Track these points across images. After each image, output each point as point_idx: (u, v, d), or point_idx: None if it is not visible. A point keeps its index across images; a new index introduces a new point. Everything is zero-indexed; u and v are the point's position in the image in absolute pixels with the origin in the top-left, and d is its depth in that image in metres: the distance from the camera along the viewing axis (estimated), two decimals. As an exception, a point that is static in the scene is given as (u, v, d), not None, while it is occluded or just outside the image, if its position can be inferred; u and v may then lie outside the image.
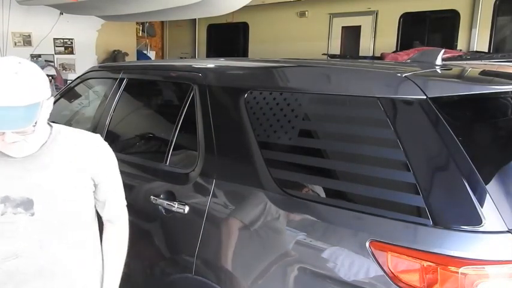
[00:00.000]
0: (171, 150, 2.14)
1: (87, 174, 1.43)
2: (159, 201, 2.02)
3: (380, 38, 7.82)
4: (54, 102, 3.05)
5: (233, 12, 7.09)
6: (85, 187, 1.43)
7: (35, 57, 8.47)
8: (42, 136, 1.35)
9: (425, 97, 1.42)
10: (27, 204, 1.31)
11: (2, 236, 1.31)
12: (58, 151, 1.38)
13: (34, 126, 1.24)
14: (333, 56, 7.65)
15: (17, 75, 1.19)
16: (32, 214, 1.31)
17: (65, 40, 9.07)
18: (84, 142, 1.46)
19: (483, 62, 4.55)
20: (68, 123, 3.13)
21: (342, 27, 8.30)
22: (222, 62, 2.46)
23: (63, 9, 7.89)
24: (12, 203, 1.30)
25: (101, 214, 1.55)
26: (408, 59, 2.41)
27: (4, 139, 1.22)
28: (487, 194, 1.28)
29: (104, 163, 1.48)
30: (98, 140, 1.51)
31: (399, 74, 1.56)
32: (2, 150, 1.29)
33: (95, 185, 1.46)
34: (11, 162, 1.31)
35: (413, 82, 1.47)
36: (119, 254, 1.58)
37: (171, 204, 1.96)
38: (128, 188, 2.26)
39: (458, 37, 6.99)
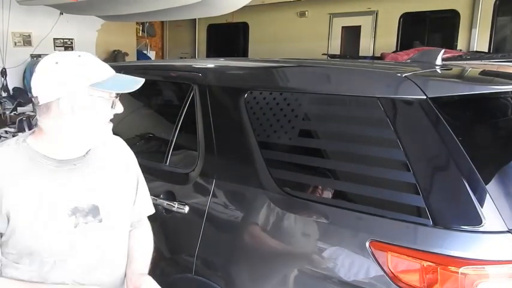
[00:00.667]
0: (171, 150, 2.14)
1: (132, 174, 1.47)
2: (159, 201, 2.02)
3: (380, 38, 7.83)
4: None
5: (233, 12, 7.09)
6: (132, 187, 1.47)
7: (35, 57, 8.47)
8: None
9: (425, 97, 1.42)
10: (94, 211, 1.30)
11: (80, 249, 1.29)
12: (104, 154, 1.39)
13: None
14: (333, 56, 7.65)
15: None
16: (100, 221, 1.31)
17: (65, 40, 9.07)
18: (119, 144, 1.50)
19: (483, 62, 4.56)
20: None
21: (342, 27, 8.31)
22: (222, 62, 2.46)
23: (63, 9, 7.89)
24: (82, 213, 1.28)
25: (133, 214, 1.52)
26: (408, 59, 2.41)
27: (117, 109, 1.28)
28: (487, 194, 1.28)
29: (136, 162, 1.53)
30: (122, 140, 1.54)
31: (399, 74, 1.56)
32: (103, 134, 1.30)
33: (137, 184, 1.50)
34: (74, 169, 1.29)
35: (413, 82, 1.47)
36: (150, 243, 1.58)
37: (171, 204, 1.96)
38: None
39: (458, 37, 7.00)
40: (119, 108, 1.30)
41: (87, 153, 1.33)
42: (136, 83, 1.29)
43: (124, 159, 1.46)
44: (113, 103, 1.28)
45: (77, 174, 1.29)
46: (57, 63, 1.21)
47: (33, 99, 1.24)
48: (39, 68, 1.23)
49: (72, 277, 1.29)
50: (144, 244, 1.55)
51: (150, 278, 1.41)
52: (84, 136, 1.27)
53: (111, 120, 1.32)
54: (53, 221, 1.23)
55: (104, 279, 1.35)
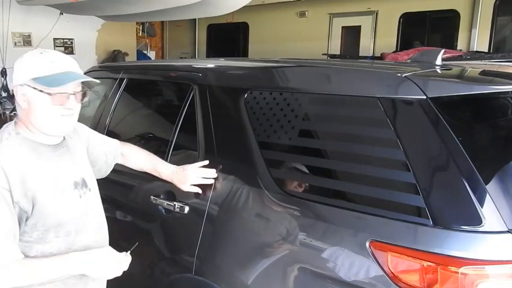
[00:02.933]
0: (171, 150, 2.14)
1: (85, 148, 1.70)
2: (159, 201, 2.02)
3: (380, 38, 7.83)
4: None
5: (233, 12, 7.10)
6: (91, 158, 1.72)
7: (35, 57, 8.46)
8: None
9: (425, 97, 1.42)
10: (85, 183, 1.54)
11: (88, 214, 1.53)
12: (73, 136, 1.61)
13: (81, 102, 1.45)
14: (333, 56, 7.65)
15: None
16: (90, 190, 1.56)
17: (65, 40, 9.08)
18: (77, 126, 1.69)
19: (483, 62, 4.56)
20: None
21: (342, 27, 8.31)
22: (222, 62, 2.46)
23: (63, 9, 7.90)
24: (79, 186, 1.51)
25: (113, 157, 1.85)
26: (408, 59, 2.41)
27: (66, 104, 1.38)
28: (487, 194, 1.28)
29: (92, 134, 1.79)
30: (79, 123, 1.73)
31: (399, 74, 1.56)
32: (56, 126, 1.42)
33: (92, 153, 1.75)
34: (63, 152, 1.50)
35: (413, 82, 1.47)
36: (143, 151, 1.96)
37: (171, 204, 1.96)
38: (128, 188, 2.27)
39: (458, 37, 7.00)
40: (70, 104, 1.41)
41: (64, 138, 1.54)
42: (75, 77, 1.40)
43: (83, 136, 1.70)
44: (68, 98, 1.39)
45: (67, 156, 1.52)
46: (22, 57, 1.40)
47: None
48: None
49: (90, 239, 1.53)
50: (142, 152, 1.94)
51: (190, 167, 1.83)
52: (41, 126, 1.41)
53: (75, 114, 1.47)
54: (65, 195, 1.45)
55: (105, 238, 1.63)
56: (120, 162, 1.89)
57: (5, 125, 1.46)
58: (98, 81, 1.51)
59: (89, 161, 1.67)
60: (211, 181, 1.82)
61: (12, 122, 1.48)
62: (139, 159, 1.92)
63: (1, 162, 1.32)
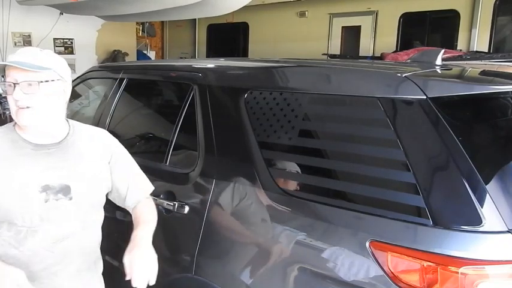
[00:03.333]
0: (171, 150, 2.14)
1: (105, 162, 1.62)
2: (159, 201, 2.02)
3: (380, 38, 7.83)
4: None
5: (233, 12, 7.09)
6: (105, 173, 1.61)
7: (35, 57, 8.45)
8: (63, 126, 1.55)
9: (425, 97, 1.42)
10: (65, 191, 1.46)
11: (50, 221, 1.45)
12: (81, 141, 1.56)
13: (39, 84, 1.39)
14: (333, 56, 7.65)
15: (41, 50, 1.48)
16: (70, 199, 1.47)
17: (65, 40, 9.07)
18: (100, 135, 1.69)
19: (483, 62, 4.55)
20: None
21: (342, 27, 8.31)
22: (222, 62, 2.46)
23: (63, 9, 7.89)
24: (53, 190, 1.44)
25: (125, 204, 1.69)
26: (408, 59, 2.41)
27: (13, 94, 1.38)
28: (487, 194, 1.28)
29: (119, 152, 1.68)
30: (106, 132, 1.75)
31: (399, 74, 1.56)
32: (17, 119, 1.42)
33: (111, 172, 1.63)
34: (49, 153, 1.47)
35: (413, 82, 1.47)
36: (152, 214, 1.70)
37: (171, 204, 1.96)
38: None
39: (458, 37, 6.99)
40: (16, 95, 1.38)
41: (61, 140, 1.51)
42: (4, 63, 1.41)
43: (100, 149, 1.61)
44: (14, 88, 1.38)
45: (52, 158, 1.47)
46: None
47: None
48: None
49: (43, 245, 1.45)
50: (144, 213, 1.67)
51: (143, 250, 1.50)
52: (17, 121, 1.44)
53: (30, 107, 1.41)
54: (24, 195, 1.41)
55: (72, 251, 1.51)
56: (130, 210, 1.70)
57: None
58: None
59: (100, 172, 1.58)
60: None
61: None
62: (136, 214, 1.67)
63: None
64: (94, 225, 1.60)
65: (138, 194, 1.70)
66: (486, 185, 1.29)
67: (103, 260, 1.71)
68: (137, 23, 10.26)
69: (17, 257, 1.43)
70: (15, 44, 8.38)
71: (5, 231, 1.43)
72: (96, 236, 1.63)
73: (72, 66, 7.79)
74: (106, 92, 2.76)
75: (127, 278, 1.42)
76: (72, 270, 1.53)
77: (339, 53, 8.18)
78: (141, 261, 1.45)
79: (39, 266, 1.45)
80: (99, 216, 1.63)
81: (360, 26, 8.05)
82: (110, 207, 1.71)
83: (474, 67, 2.34)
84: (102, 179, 1.60)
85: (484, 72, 2.22)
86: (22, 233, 1.43)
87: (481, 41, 6.72)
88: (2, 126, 1.50)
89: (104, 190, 1.62)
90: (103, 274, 1.69)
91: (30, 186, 1.42)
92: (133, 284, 1.41)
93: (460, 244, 1.26)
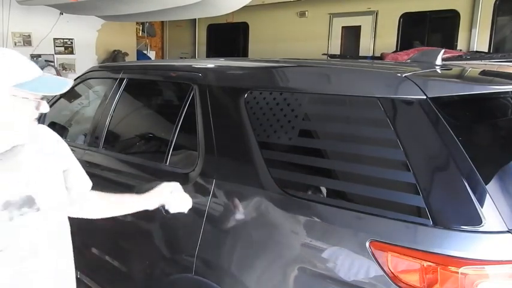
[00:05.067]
0: (171, 150, 2.14)
1: (59, 163, 1.45)
2: (159, 201, 2.01)
3: (380, 38, 7.82)
4: (55, 102, 3.07)
5: (233, 12, 7.09)
6: (60, 174, 1.45)
7: (35, 57, 8.46)
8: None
9: (425, 97, 1.42)
10: (30, 202, 1.29)
11: (18, 239, 1.28)
12: (29, 145, 1.35)
13: None
14: (333, 56, 7.65)
15: None
16: (38, 209, 1.30)
17: (65, 40, 9.07)
18: (44, 132, 1.46)
19: (483, 62, 4.55)
20: (68, 123, 3.13)
21: (342, 27, 8.30)
22: (222, 62, 2.46)
23: (63, 9, 7.89)
24: (15, 206, 1.26)
25: (74, 198, 1.53)
26: (408, 59, 2.41)
27: (40, 108, 1.26)
28: (487, 194, 1.28)
29: (64, 146, 1.52)
30: (47, 128, 1.51)
31: (399, 74, 1.56)
32: (17, 134, 1.28)
33: (64, 173, 1.48)
34: (2, 164, 1.26)
35: (413, 82, 1.47)
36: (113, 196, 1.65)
37: (171, 204, 1.96)
38: (128, 188, 2.27)
39: (458, 37, 6.99)
40: (44, 108, 1.28)
41: (12, 147, 1.29)
42: (64, 85, 1.28)
43: (50, 146, 1.43)
44: (38, 104, 1.26)
45: (4, 168, 1.26)
46: None
47: None
48: None
49: (8, 265, 1.27)
50: (114, 197, 1.64)
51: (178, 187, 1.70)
52: (5, 134, 1.26)
53: (36, 119, 1.31)
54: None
55: (31, 269, 1.33)
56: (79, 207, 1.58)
57: None
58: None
59: (59, 175, 1.44)
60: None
61: None
62: (113, 200, 1.64)
63: None
64: (65, 233, 1.46)
65: (84, 190, 1.59)
66: (486, 185, 1.29)
67: (103, 260, 1.69)
68: (137, 23, 10.26)
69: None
70: (15, 44, 8.38)
71: None
72: (68, 244, 1.47)
73: (72, 66, 7.76)
74: (106, 92, 2.76)
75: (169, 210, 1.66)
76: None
77: (339, 53, 8.18)
78: (182, 193, 1.69)
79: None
80: (66, 223, 1.47)
81: (360, 26, 8.04)
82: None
83: (474, 67, 2.34)
84: (59, 178, 1.45)
85: (484, 72, 2.22)
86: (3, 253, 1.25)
87: (481, 41, 6.72)
88: None
89: (63, 193, 1.46)
90: (103, 274, 1.67)
91: (12, 207, 1.24)
92: (179, 210, 1.66)
93: (460, 244, 1.26)
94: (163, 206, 1.69)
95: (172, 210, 1.69)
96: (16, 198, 1.26)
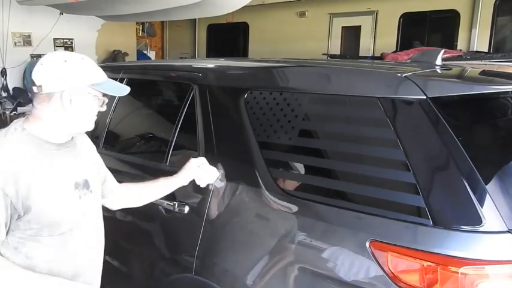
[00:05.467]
0: (171, 150, 2.14)
1: (95, 155, 1.70)
2: (159, 201, 2.01)
3: (380, 38, 7.83)
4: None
5: (233, 12, 7.09)
6: (100, 165, 1.72)
7: (35, 57, 8.47)
8: None
9: (425, 97, 1.42)
10: (87, 185, 1.54)
11: (86, 216, 1.53)
12: (79, 139, 1.61)
13: None
14: (333, 56, 7.65)
15: None
16: (91, 192, 1.55)
17: (65, 40, 9.08)
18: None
19: (483, 62, 4.55)
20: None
21: (342, 27, 8.31)
22: (222, 62, 2.46)
23: (63, 9, 7.90)
24: (80, 186, 1.51)
25: (110, 190, 1.77)
26: (408, 59, 2.41)
27: (103, 106, 1.51)
28: (487, 194, 1.28)
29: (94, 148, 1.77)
30: None
31: (399, 74, 1.56)
32: (89, 124, 1.51)
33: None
34: (68, 151, 1.50)
35: (413, 82, 1.47)
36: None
37: (171, 204, 1.96)
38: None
39: (458, 37, 6.99)
40: (104, 107, 1.53)
41: (72, 137, 1.54)
42: (124, 89, 1.54)
43: (90, 144, 1.70)
44: (102, 103, 1.50)
45: (71, 155, 1.51)
46: (65, 61, 1.41)
47: (34, 87, 1.40)
48: (46, 61, 1.42)
49: (85, 243, 1.53)
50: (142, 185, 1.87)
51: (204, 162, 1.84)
52: (76, 125, 1.49)
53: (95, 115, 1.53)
54: (64, 195, 1.45)
55: (99, 242, 1.63)
56: (111, 200, 1.79)
57: (15, 120, 1.47)
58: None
59: (96, 164, 1.67)
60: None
61: (22, 118, 1.48)
62: (142, 188, 1.86)
63: (1, 158, 1.33)
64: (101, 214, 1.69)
65: (115, 185, 1.80)
66: (486, 185, 1.29)
67: (103, 260, 1.71)
68: (137, 23, 10.27)
69: (62, 258, 1.46)
70: (15, 44, 8.39)
71: (46, 237, 1.42)
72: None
73: (72, 66, 7.59)
74: (106, 92, 2.76)
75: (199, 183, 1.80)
76: (102, 259, 1.66)
77: (339, 53, 8.19)
78: (208, 166, 1.82)
79: (83, 261, 1.53)
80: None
81: (360, 26, 8.05)
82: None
83: (474, 67, 2.34)
84: (99, 170, 1.69)
85: (484, 72, 2.22)
86: (66, 234, 1.46)
87: (481, 41, 6.72)
88: (12, 133, 1.41)
89: (102, 179, 1.71)
90: (103, 274, 1.69)
91: (67, 187, 1.47)
92: (208, 182, 1.81)
93: (460, 244, 1.26)
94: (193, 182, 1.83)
95: (203, 184, 1.81)
96: (80, 181, 1.51)
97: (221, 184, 1.83)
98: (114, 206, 1.82)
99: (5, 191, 1.30)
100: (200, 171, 1.80)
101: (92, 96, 1.46)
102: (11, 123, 1.46)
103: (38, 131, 1.42)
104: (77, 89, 1.41)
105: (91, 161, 1.63)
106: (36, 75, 1.40)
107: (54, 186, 1.42)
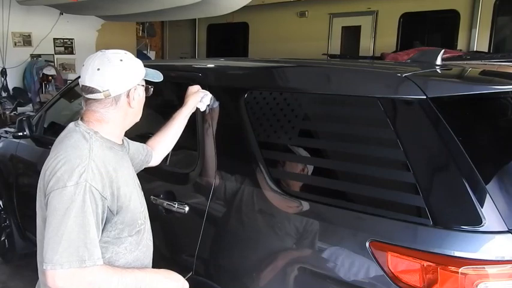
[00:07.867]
0: (171, 150, 2.13)
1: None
2: (159, 201, 2.02)
3: (380, 38, 7.82)
4: (55, 102, 3.07)
5: (233, 12, 7.08)
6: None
7: (35, 57, 8.47)
8: None
9: (425, 97, 1.42)
10: (140, 188, 1.57)
11: (146, 214, 1.58)
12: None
13: None
14: (333, 56, 7.64)
15: None
16: (141, 189, 1.59)
17: (65, 40, 9.08)
18: None
19: (483, 62, 4.55)
20: (68, 123, 3.12)
21: (342, 27, 8.30)
22: (222, 62, 2.46)
23: (63, 9, 7.89)
24: (138, 188, 1.55)
25: (150, 155, 1.84)
26: (408, 59, 2.41)
27: (148, 93, 1.55)
28: (487, 194, 1.28)
29: None
30: None
31: (399, 74, 1.56)
32: (139, 116, 1.55)
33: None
34: (125, 152, 1.56)
35: (413, 82, 1.47)
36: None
37: (171, 204, 1.96)
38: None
39: (458, 37, 6.99)
40: (151, 92, 1.57)
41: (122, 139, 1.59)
42: (161, 76, 1.60)
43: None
44: (148, 89, 1.55)
45: (127, 156, 1.58)
46: (121, 60, 1.42)
47: (99, 94, 1.39)
48: (102, 66, 1.39)
49: (148, 239, 1.58)
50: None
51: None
52: (134, 120, 1.55)
53: None
54: (137, 193, 1.51)
55: (152, 239, 1.65)
56: (153, 158, 1.85)
57: (70, 125, 1.46)
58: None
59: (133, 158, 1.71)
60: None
61: (77, 121, 1.46)
62: (164, 139, 1.90)
63: (96, 161, 1.33)
64: None
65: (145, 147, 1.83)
66: (486, 185, 1.29)
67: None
68: (137, 23, 10.27)
69: (138, 257, 1.51)
70: (15, 44, 8.39)
71: (127, 237, 1.45)
72: None
73: (72, 66, 7.75)
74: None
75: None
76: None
77: (339, 53, 8.18)
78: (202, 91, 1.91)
79: (149, 258, 1.59)
80: None
81: (360, 26, 8.04)
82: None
83: (474, 67, 2.34)
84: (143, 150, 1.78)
85: (484, 72, 2.22)
86: (140, 232, 1.52)
87: (481, 41, 6.71)
88: (91, 137, 1.39)
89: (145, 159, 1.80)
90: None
91: (136, 186, 1.53)
92: (206, 103, 1.90)
93: (460, 244, 1.26)
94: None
95: (202, 107, 1.92)
96: (137, 180, 1.57)
97: (216, 104, 1.93)
98: (157, 161, 1.88)
99: (103, 194, 1.33)
100: (200, 94, 1.90)
101: (141, 87, 1.51)
102: (72, 128, 1.44)
103: (107, 134, 1.45)
104: (137, 84, 1.47)
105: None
106: (99, 81, 1.38)
107: (131, 185, 1.47)
